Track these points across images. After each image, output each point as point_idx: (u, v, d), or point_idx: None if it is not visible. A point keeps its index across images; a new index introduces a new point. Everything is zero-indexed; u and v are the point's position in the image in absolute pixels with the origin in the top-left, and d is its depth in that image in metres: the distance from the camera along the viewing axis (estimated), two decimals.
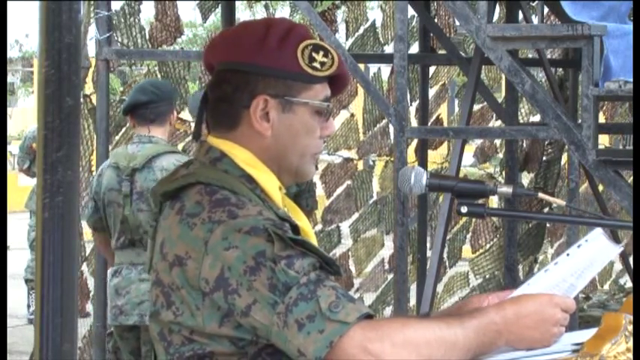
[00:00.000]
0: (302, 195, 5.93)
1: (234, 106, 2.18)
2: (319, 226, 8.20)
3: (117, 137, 6.95)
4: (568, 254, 2.13)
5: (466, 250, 8.37)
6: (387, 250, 7.64)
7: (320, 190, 8.38)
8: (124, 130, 6.83)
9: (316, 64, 2.16)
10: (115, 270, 5.13)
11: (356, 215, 8.42)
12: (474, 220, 8.00)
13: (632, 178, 6.50)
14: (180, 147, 7.05)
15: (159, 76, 7.25)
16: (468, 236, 8.23)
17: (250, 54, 2.16)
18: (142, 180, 5.01)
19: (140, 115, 5.11)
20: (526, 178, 8.65)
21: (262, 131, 2.16)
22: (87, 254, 6.83)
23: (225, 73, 2.19)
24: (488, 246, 8.07)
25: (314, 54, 2.16)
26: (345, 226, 8.47)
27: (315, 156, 2.22)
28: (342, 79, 2.22)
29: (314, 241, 2.22)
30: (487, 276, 7.97)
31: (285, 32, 2.17)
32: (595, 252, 2.12)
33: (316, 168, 8.47)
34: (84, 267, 7.01)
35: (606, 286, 9.99)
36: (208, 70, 2.28)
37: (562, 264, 2.13)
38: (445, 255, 8.17)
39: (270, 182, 2.18)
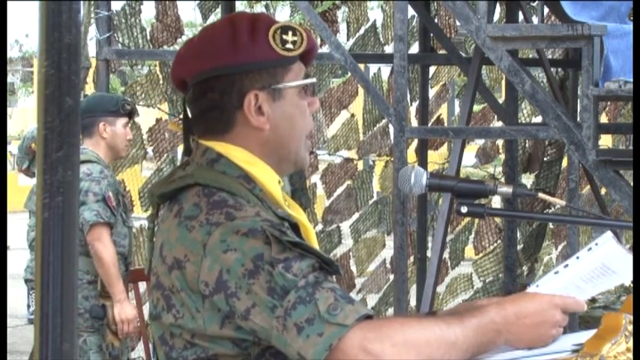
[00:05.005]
0: (295, 194, 5.95)
1: (225, 110, 2.17)
2: (320, 227, 8.20)
3: None
4: (578, 257, 2.12)
5: (469, 251, 8.35)
6: (389, 250, 7.64)
7: (320, 191, 8.38)
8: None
9: (289, 45, 2.17)
10: None
11: (356, 215, 8.42)
12: (477, 221, 8.00)
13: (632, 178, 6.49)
14: (180, 149, 7.02)
15: (160, 76, 7.24)
16: (471, 237, 8.22)
17: (227, 56, 2.16)
18: None
19: None
20: (528, 179, 8.64)
21: (260, 126, 2.17)
22: None
23: (206, 83, 2.18)
24: (492, 248, 8.06)
25: (284, 36, 2.17)
26: (345, 227, 8.47)
27: (307, 141, 2.23)
28: (312, 52, 2.24)
29: (313, 236, 2.23)
30: (491, 278, 7.96)
31: (251, 24, 2.17)
32: (606, 256, 2.10)
33: (317, 168, 8.34)
34: None
35: (613, 288, 9.98)
36: (178, 87, 2.25)
37: (572, 267, 2.11)
38: (447, 256, 8.17)
39: (269, 178, 2.18)
